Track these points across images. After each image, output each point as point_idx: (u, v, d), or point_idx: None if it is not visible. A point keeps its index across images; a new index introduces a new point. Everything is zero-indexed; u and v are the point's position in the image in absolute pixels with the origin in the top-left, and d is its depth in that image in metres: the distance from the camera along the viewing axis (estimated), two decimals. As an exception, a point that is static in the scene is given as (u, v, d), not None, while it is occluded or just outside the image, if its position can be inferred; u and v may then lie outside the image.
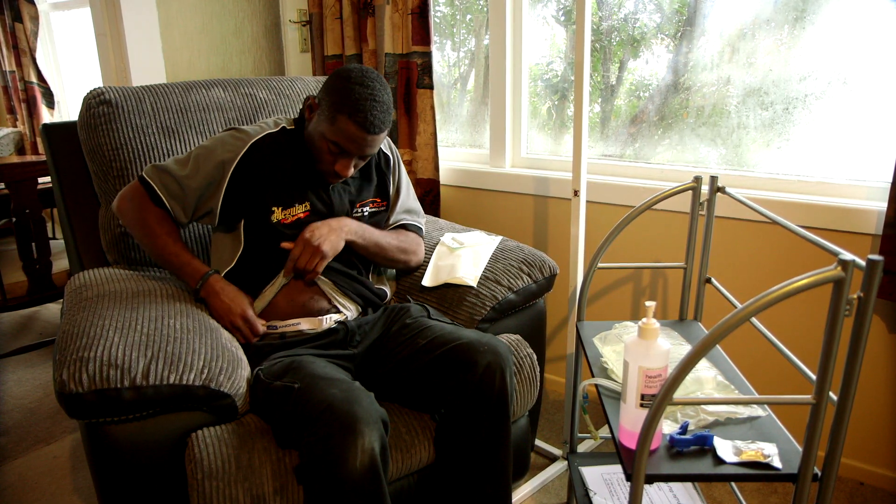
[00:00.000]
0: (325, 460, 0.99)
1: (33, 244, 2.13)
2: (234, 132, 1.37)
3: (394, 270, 1.61)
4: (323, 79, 1.88)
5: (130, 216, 1.34)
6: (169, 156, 1.53)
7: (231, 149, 1.33)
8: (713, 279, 1.42)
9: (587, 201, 1.80)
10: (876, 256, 0.79)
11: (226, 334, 1.24)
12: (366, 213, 1.47)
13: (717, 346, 1.32)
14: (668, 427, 1.02)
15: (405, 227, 1.56)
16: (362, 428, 0.99)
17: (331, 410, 1.02)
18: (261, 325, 1.31)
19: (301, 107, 1.43)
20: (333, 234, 1.34)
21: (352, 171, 1.32)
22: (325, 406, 1.03)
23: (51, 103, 3.55)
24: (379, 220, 1.51)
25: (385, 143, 1.53)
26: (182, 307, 1.24)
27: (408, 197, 1.58)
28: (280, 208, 1.34)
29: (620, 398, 1.02)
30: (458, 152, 2.38)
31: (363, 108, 1.23)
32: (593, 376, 1.20)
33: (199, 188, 1.33)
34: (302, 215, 1.35)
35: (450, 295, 1.50)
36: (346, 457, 0.97)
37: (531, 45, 2.11)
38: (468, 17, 2.33)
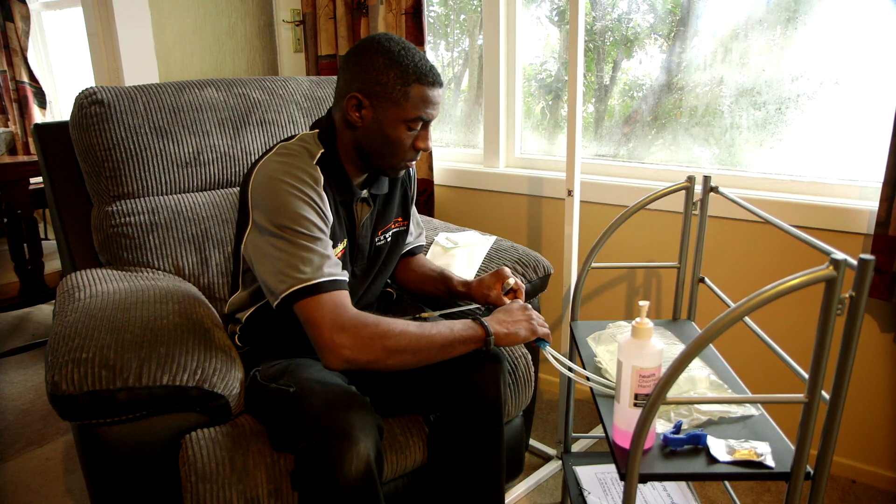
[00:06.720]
0: (320, 466, 0.98)
1: (25, 245, 2.12)
2: (290, 174, 1.11)
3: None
4: (317, 79, 1.87)
5: (362, 338, 1.05)
6: (161, 156, 1.51)
7: (312, 188, 1.12)
8: (706, 279, 1.43)
9: (581, 201, 1.80)
10: (867, 256, 0.80)
11: (219, 334, 1.24)
12: (388, 239, 1.35)
13: (711, 345, 1.32)
14: (661, 426, 1.03)
15: (414, 251, 1.47)
16: (357, 434, 0.98)
17: (326, 416, 1.01)
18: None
19: (327, 117, 1.22)
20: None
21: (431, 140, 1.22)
22: (320, 411, 1.02)
23: (42, 103, 3.53)
24: (400, 240, 1.40)
25: None
26: (175, 307, 1.23)
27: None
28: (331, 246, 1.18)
29: (614, 398, 1.02)
30: (452, 152, 2.38)
31: (423, 67, 1.12)
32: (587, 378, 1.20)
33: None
34: (339, 254, 1.22)
35: (444, 295, 1.49)
36: (342, 463, 0.96)
37: (525, 45, 2.11)
38: (462, 17, 2.33)
